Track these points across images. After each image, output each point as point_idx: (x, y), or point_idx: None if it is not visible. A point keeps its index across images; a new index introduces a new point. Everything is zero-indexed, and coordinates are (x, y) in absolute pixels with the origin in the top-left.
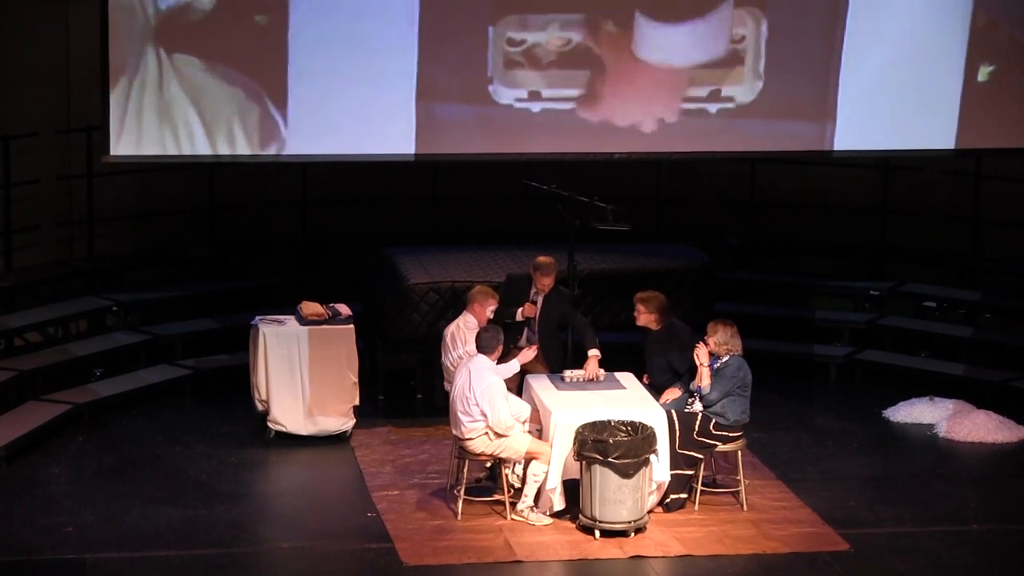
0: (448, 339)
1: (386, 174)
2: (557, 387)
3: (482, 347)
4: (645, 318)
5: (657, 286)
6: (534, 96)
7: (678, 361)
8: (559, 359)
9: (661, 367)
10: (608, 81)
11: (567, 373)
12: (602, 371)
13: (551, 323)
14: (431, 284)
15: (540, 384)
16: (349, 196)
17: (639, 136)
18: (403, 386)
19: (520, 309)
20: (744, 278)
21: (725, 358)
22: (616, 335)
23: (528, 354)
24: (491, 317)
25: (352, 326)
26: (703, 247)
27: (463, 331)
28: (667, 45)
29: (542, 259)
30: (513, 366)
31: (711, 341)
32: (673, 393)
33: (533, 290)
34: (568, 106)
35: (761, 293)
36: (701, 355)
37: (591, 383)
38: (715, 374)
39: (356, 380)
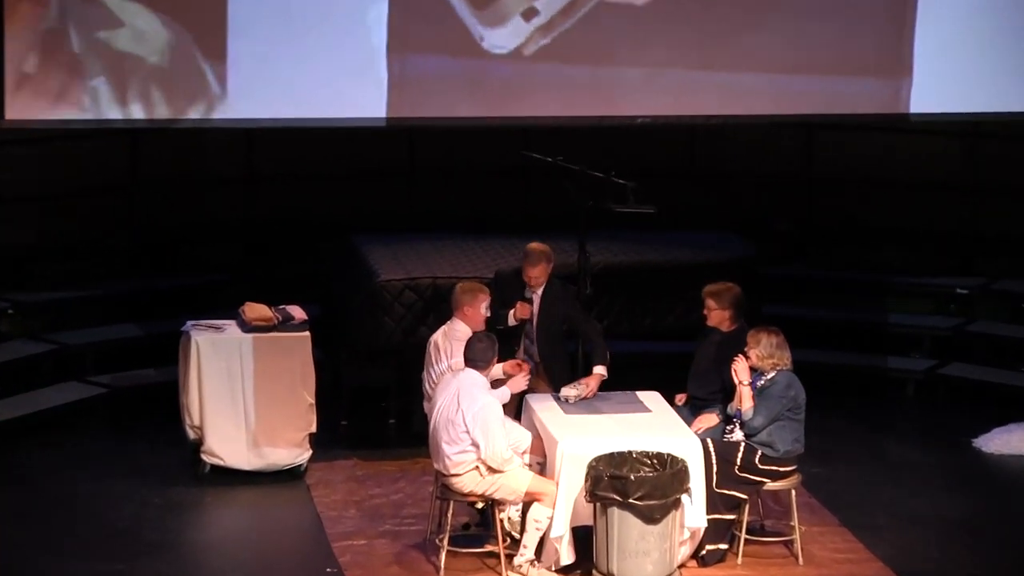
0: (431, 350)
1: (350, 144)
2: (564, 410)
3: (472, 359)
4: (717, 316)
5: (690, 283)
6: (530, 14)
7: (730, 375)
8: (565, 375)
9: (710, 379)
10: (624, 16)
11: (564, 392)
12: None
13: (552, 329)
14: (407, 281)
15: (543, 406)
16: (305, 171)
17: (666, 95)
18: (372, 408)
19: (511, 311)
20: (798, 273)
21: (771, 374)
22: (638, 344)
23: (520, 382)
24: (488, 315)
25: (308, 333)
26: (747, 234)
27: (449, 341)
28: None
29: (532, 245)
30: (503, 393)
31: (752, 354)
32: (709, 420)
33: (527, 288)
34: (576, 59)
35: (819, 292)
36: (740, 371)
37: (601, 402)
38: (759, 394)
39: (313, 401)
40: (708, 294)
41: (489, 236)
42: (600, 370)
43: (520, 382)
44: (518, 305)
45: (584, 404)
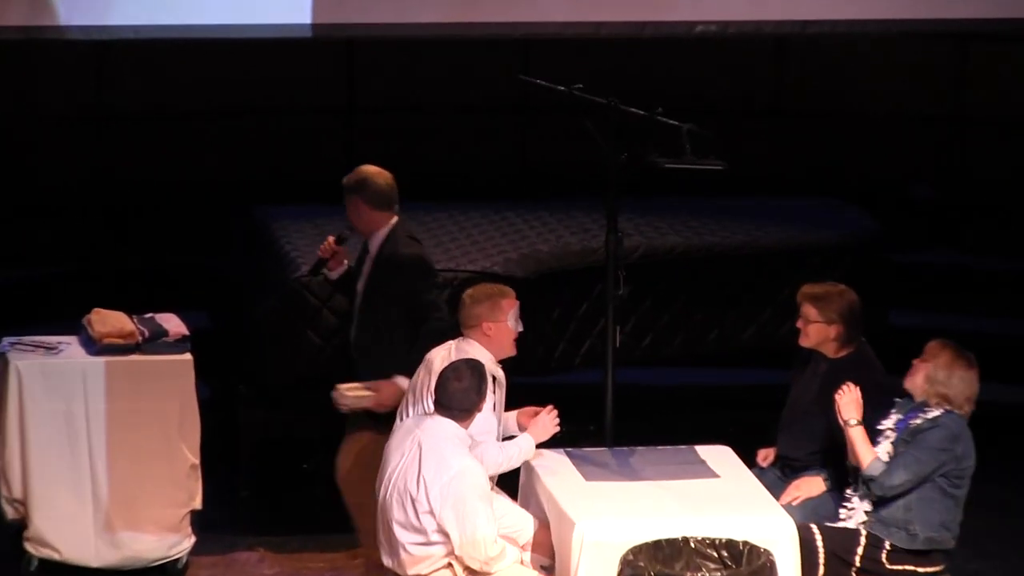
0: (421, 371)
1: (258, 66)
2: (585, 474)
3: (445, 404)
4: (818, 333)
5: (780, 278)
6: None
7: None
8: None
9: (811, 429)
10: None
11: (338, 391)
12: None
13: (380, 308)
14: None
15: (551, 470)
16: (187, 109)
17: None
18: (289, 471)
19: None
20: (941, 261)
21: (934, 412)
22: (699, 373)
23: (548, 424)
24: (521, 329)
25: (189, 356)
26: (865, 203)
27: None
28: None
29: None
30: (522, 446)
31: (922, 370)
32: (810, 486)
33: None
34: None
35: (973, 290)
36: (845, 406)
37: (642, 461)
38: (907, 436)
39: (197, 461)
40: (806, 298)
41: (469, 205)
42: (400, 380)
43: (548, 424)
44: (328, 239)
45: (616, 465)
